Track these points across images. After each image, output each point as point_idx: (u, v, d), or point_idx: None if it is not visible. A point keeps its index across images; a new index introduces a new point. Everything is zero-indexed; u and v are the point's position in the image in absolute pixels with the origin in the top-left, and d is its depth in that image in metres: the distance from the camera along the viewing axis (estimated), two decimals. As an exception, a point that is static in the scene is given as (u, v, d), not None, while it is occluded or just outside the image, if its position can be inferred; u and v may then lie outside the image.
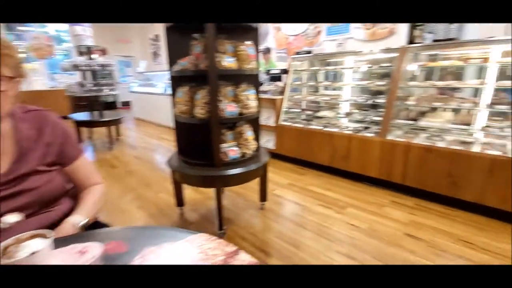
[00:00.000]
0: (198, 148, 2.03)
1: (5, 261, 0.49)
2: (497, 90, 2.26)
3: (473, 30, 3.42)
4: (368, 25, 4.49)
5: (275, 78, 4.00)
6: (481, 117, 2.33)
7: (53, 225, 0.83)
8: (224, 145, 1.91)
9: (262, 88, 3.86)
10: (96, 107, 4.45)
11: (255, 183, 2.23)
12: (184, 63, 1.82)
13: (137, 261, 0.59)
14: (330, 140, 2.97)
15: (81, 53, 4.40)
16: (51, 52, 7.57)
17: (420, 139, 2.44)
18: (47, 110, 0.91)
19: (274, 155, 3.58)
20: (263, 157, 2.11)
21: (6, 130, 0.80)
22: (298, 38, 5.57)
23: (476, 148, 2.15)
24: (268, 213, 2.28)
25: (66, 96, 5.83)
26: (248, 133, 2.07)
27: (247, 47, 1.90)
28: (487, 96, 2.26)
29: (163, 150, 4.37)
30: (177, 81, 1.95)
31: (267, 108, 3.59)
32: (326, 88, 3.71)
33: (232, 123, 2.04)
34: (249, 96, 1.96)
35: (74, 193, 0.98)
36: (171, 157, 2.12)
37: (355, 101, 3.12)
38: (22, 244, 0.53)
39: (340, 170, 2.96)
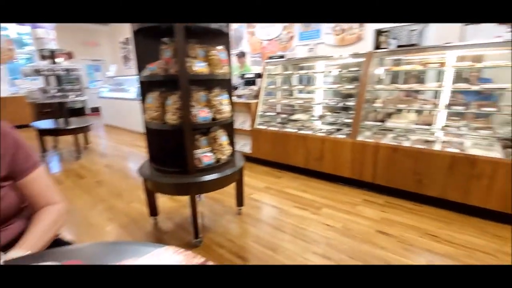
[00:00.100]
0: (171, 155, 1.97)
1: None
2: (454, 92, 2.44)
3: (431, 36, 3.69)
4: (338, 30, 4.67)
5: (250, 82, 4.02)
6: (441, 117, 2.51)
7: (8, 245, 0.76)
8: (197, 151, 1.88)
9: (237, 92, 3.86)
10: (62, 114, 4.19)
11: (232, 188, 2.21)
12: (153, 68, 1.77)
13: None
14: (304, 142, 3.03)
15: (43, 57, 4.15)
16: (12, 56, 7.07)
17: (388, 139, 2.57)
18: None
19: (251, 159, 3.58)
20: (239, 161, 2.10)
21: None
22: (271, 42, 5.65)
23: (437, 147, 2.30)
24: (246, 218, 2.27)
25: (28, 103, 5.44)
26: (223, 138, 2.05)
27: (218, 51, 1.89)
28: (445, 98, 2.43)
29: (135, 157, 4.20)
30: (146, 86, 1.89)
31: (242, 112, 3.59)
32: (300, 91, 3.80)
33: (205, 129, 2.01)
34: (223, 101, 1.94)
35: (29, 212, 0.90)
36: (142, 165, 2.04)
37: (327, 104, 3.22)
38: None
39: (315, 171, 3.03)
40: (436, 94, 2.67)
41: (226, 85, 2.02)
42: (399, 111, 2.75)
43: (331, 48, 4.77)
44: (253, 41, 5.97)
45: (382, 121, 2.75)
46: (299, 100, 3.54)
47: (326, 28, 4.79)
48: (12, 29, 7.19)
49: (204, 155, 1.89)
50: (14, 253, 0.72)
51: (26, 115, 5.84)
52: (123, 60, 9.21)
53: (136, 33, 1.81)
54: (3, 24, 6.48)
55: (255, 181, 3.04)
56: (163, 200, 2.49)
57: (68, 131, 4.04)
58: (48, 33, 4.08)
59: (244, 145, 3.68)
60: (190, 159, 1.79)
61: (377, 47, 2.92)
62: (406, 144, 2.40)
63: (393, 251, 1.79)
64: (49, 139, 4.25)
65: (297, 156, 3.13)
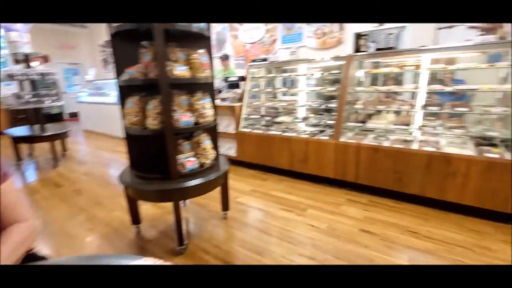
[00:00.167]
0: (152, 161, 1.93)
1: None
2: (429, 93, 2.54)
3: (407, 39, 3.84)
4: (319, 34, 4.76)
5: (234, 85, 4.01)
6: (418, 117, 2.60)
7: None
8: (180, 156, 1.85)
9: (221, 95, 3.84)
10: (37, 120, 4.00)
11: (217, 192, 2.19)
12: (132, 72, 1.73)
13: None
14: (289, 144, 3.05)
15: (17, 61, 3.95)
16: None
17: (369, 140, 2.64)
18: None
19: (236, 162, 3.56)
20: (223, 165, 2.08)
21: None
22: (255, 45, 5.68)
23: (415, 146, 2.38)
24: (231, 222, 2.25)
25: (1, 109, 5.17)
26: (206, 142, 2.03)
27: (200, 55, 1.87)
28: (421, 99, 2.53)
29: (116, 163, 4.08)
30: (125, 91, 1.84)
31: (226, 115, 3.57)
32: (283, 94, 3.83)
33: (188, 133, 1.98)
34: (205, 105, 1.92)
35: None
36: (123, 172, 1.98)
37: (311, 106, 3.27)
38: None
39: (299, 173, 3.05)
40: (413, 95, 2.78)
41: (208, 88, 2.00)
42: (379, 112, 2.84)
43: (313, 51, 4.85)
44: (236, 44, 5.98)
45: (363, 122, 2.82)
46: (283, 103, 3.57)
47: (308, 31, 4.87)
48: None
49: (187, 160, 1.86)
50: None
51: (-2, 122, 5.53)
52: (102, 64, 8.94)
53: (114, 36, 1.77)
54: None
55: (241, 184, 3.02)
56: (146, 207, 2.43)
57: (44, 138, 3.87)
58: (22, 36, 3.91)
59: (229, 149, 3.66)
60: (173, 165, 1.76)
61: (357, 50, 2.98)
62: (386, 144, 2.48)
63: (376, 249, 1.83)
64: (24, 147, 4.05)
65: (282, 158, 3.15)
